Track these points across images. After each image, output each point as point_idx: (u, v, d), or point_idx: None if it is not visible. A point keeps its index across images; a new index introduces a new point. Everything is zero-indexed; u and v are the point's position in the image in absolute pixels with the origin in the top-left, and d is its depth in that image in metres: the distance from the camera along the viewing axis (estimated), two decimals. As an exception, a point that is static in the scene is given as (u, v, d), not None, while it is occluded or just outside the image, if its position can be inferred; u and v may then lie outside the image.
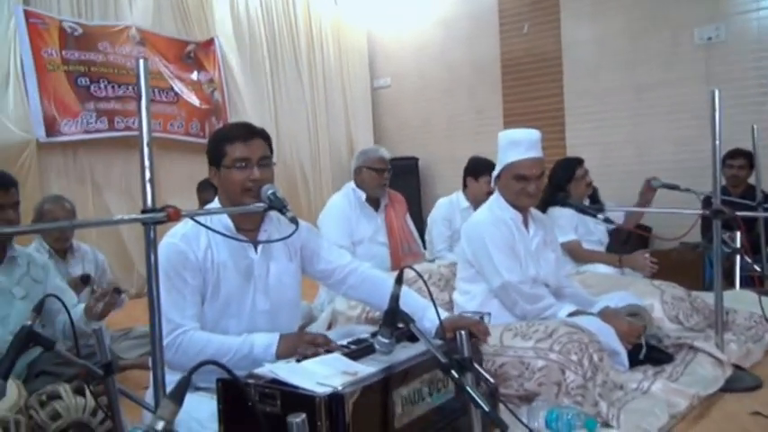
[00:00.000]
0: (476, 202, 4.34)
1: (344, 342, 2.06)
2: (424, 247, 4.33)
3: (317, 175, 7.45)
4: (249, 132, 2.17)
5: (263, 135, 2.21)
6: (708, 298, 3.14)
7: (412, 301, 2.18)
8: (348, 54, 7.81)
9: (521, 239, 2.69)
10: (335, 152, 7.65)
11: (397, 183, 4.54)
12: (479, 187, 4.30)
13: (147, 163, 1.52)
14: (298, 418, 1.14)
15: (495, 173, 2.75)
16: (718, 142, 2.44)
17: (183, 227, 2.13)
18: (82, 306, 2.49)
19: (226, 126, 2.35)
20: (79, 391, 1.97)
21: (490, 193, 4.24)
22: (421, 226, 4.55)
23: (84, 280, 3.20)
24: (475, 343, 2.11)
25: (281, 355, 2.01)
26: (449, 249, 4.29)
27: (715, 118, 2.41)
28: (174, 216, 1.54)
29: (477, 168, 4.31)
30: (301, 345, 1.99)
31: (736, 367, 2.53)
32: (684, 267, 4.08)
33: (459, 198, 4.42)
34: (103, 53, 5.67)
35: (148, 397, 2.22)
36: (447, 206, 4.39)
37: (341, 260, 2.36)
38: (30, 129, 5.18)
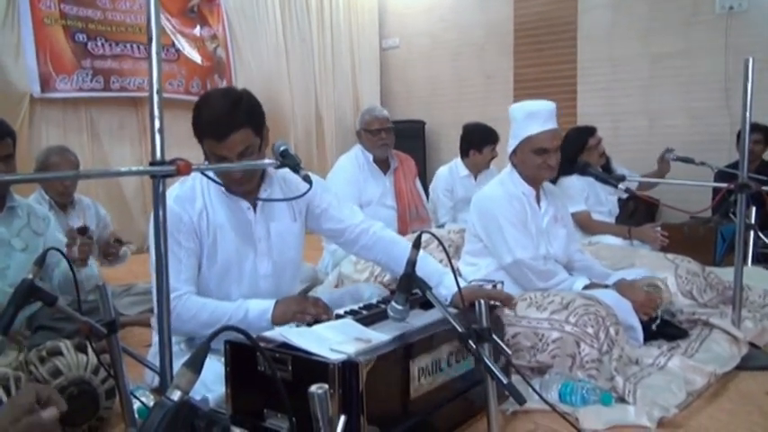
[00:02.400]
0: (477, 171, 4.31)
1: (355, 307, 2.00)
2: (429, 215, 4.28)
3: (321, 134, 7.33)
4: (224, 129, 1.92)
5: (244, 121, 1.94)
6: (721, 274, 3.10)
7: (427, 266, 2.10)
8: (358, 11, 7.61)
9: (533, 216, 2.62)
10: (341, 112, 7.51)
11: (404, 146, 4.45)
12: (483, 158, 4.28)
13: (156, 112, 1.42)
14: (320, 390, 1.07)
15: (510, 148, 2.65)
16: (748, 113, 2.35)
17: (178, 188, 2.07)
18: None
19: (201, 107, 2.01)
20: (81, 348, 1.91)
21: (493, 159, 4.24)
22: (426, 190, 4.49)
23: (81, 231, 3.12)
24: (495, 313, 2.05)
25: (277, 321, 1.94)
26: (452, 220, 4.26)
27: (747, 88, 2.32)
28: (183, 169, 1.44)
29: (480, 138, 4.27)
30: (300, 309, 1.93)
31: (752, 345, 2.48)
32: (695, 242, 4.01)
33: (457, 166, 4.38)
34: (102, 10, 5.53)
35: (150, 356, 2.17)
36: (447, 176, 4.36)
37: (353, 219, 2.28)
38: (24, 83, 5.05)
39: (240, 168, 2.09)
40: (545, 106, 2.57)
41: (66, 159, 3.29)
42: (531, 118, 2.54)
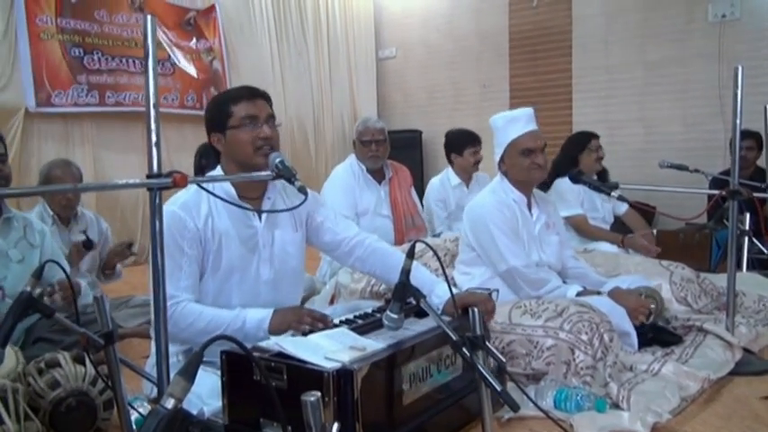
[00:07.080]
0: (466, 176, 4.37)
1: (350, 316, 2.02)
2: (425, 225, 4.31)
3: (319, 144, 7.37)
4: (252, 92, 2.15)
5: (265, 96, 2.19)
6: (715, 280, 3.11)
7: (420, 275, 2.12)
8: (354, 22, 7.66)
9: (524, 223, 2.65)
10: (338, 122, 7.56)
11: (400, 156, 4.50)
12: (466, 160, 4.34)
13: (153, 126, 1.44)
14: (312, 397, 1.09)
15: (497, 156, 2.69)
16: (738, 121, 2.37)
17: (184, 194, 2.07)
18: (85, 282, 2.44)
19: (226, 90, 2.32)
20: (78, 360, 1.92)
21: (478, 162, 4.30)
22: (422, 200, 4.52)
23: (87, 245, 3.14)
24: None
25: (274, 330, 1.96)
26: (448, 228, 4.27)
27: (737, 95, 2.34)
28: (179, 182, 1.47)
29: (459, 143, 4.35)
30: (297, 319, 1.94)
31: (746, 351, 2.49)
32: (691, 249, 4.04)
33: (449, 176, 4.43)
34: (99, 23, 5.55)
35: (148, 366, 2.18)
36: (439, 187, 4.41)
37: (347, 232, 2.30)
38: (19, 97, 5.07)
39: (236, 180, 2.12)
40: (523, 111, 2.67)
41: (69, 173, 3.28)
42: (512, 123, 2.62)
